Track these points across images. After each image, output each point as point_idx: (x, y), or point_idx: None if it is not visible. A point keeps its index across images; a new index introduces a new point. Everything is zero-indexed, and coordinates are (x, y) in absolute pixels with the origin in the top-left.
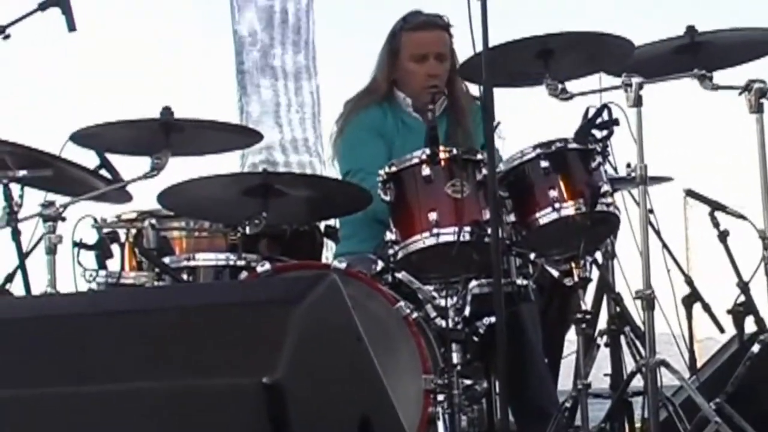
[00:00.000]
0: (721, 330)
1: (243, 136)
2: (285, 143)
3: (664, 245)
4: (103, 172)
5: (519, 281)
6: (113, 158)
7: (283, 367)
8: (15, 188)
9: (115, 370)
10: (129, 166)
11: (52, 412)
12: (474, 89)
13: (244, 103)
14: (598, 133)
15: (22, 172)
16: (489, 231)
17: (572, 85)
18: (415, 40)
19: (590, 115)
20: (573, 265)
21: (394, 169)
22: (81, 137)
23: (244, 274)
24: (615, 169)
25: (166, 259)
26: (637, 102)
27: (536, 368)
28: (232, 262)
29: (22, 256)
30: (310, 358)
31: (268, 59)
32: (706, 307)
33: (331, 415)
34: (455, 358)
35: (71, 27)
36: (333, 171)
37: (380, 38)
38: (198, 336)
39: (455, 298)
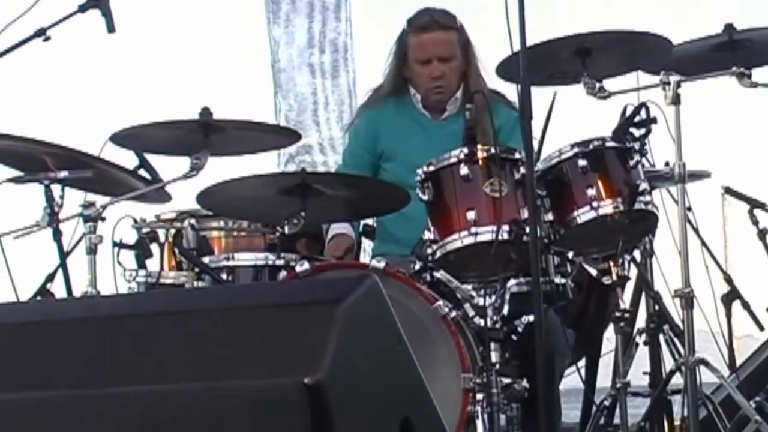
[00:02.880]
0: (761, 328)
1: (281, 136)
2: (323, 142)
3: (703, 243)
4: (143, 172)
5: (557, 280)
6: (152, 158)
7: (325, 368)
8: (56, 189)
9: (156, 372)
10: (168, 166)
11: (94, 413)
12: (512, 88)
13: (279, 101)
14: (636, 132)
15: (62, 173)
16: (527, 230)
17: (610, 84)
18: (417, 43)
19: (628, 113)
20: (611, 263)
21: (432, 168)
22: (120, 138)
23: (283, 274)
24: (653, 168)
25: (206, 259)
26: (675, 100)
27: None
28: (271, 262)
29: (63, 255)
30: (351, 359)
31: (304, 57)
32: (746, 305)
33: (373, 416)
34: (494, 356)
35: (111, 28)
36: None
37: None
38: (239, 337)
39: (493, 297)
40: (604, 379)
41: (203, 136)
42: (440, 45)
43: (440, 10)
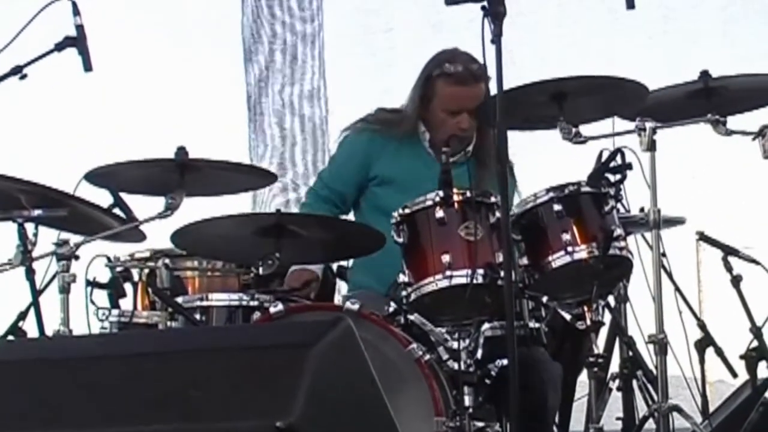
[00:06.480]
0: (734, 375)
1: (257, 177)
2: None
3: (677, 289)
4: (117, 211)
5: (531, 324)
6: (127, 197)
7: (297, 411)
8: (29, 227)
9: (127, 413)
10: (143, 205)
11: None
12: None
13: (255, 142)
14: (611, 177)
15: (36, 211)
16: (502, 274)
17: (586, 129)
18: (451, 95)
19: (604, 158)
20: (585, 308)
21: (407, 211)
22: (95, 176)
23: (256, 315)
24: (628, 213)
25: (179, 299)
26: (651, 146)
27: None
28: (245, 303)
29: (36, 294)
30: (323, 402)
31: (282, 96)
32: (719, 351)
33: None
34: (467, 400)
35: (87, 67)
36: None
37: (402, 83)
38: (211, 379)
39: (467, 341)
40: (577, 423)
41: (179, 175)
42: (475, 99)
43: (472, 59)
